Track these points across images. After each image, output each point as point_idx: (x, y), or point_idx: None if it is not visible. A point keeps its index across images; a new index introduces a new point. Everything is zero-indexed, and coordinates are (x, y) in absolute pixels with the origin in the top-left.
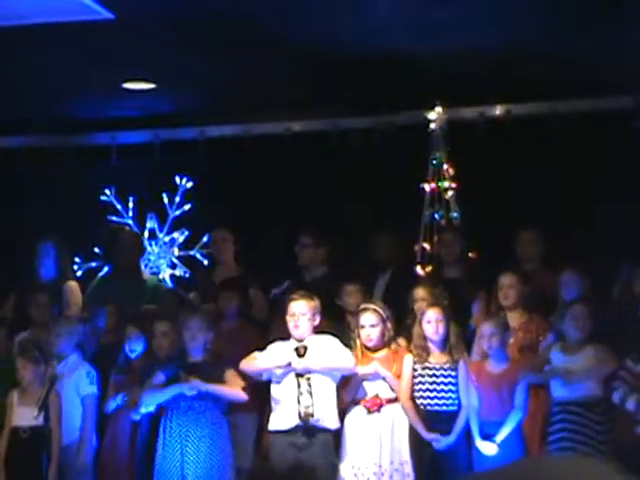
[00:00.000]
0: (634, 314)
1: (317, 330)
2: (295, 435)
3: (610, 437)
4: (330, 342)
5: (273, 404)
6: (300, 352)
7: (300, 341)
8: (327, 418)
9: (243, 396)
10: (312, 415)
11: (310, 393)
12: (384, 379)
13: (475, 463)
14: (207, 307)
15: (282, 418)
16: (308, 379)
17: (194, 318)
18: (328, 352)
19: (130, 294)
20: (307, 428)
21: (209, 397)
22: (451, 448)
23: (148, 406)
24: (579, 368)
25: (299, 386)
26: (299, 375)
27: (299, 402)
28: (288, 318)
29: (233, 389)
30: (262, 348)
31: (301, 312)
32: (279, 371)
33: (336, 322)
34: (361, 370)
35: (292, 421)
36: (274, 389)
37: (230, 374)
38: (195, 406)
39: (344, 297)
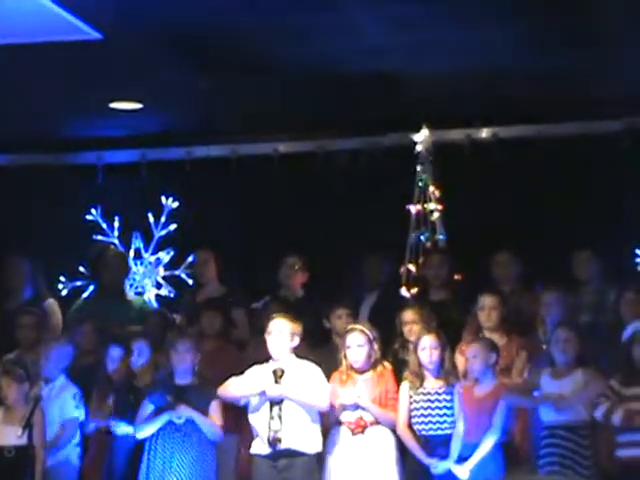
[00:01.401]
0: (618, 337)
1: (297, 353)
2: (273, 459)
3: (595, 461)
4: (309, 371)
5: (252, 428)
6: (277, 375)
7: (277, 360)
8: (300, 443)
9: (219, 434)
10: (279, 440)
11: (280, 417)
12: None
13: None
14: (192, 330)
15: (258, 443)
16: (279, 404)
17: (183, 341)
18: (305, 382)
19: (114, 314)
20: (282, 453)
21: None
22: (448, 473)
23: (141, 434)
24: (568, 393)
25: (271, 410)
26: (272, 400)
27: (269, 427)
28: (267, 336)
29: (212, 424)
30: (240, 368)
31: (279, 330)
32: (254, 400)
33: (319, 344)
34: (343, 400)
35: (266, 446)
36: (250, 414)
37: (214, 407)
38: (182, 428)
39: (333, 320)
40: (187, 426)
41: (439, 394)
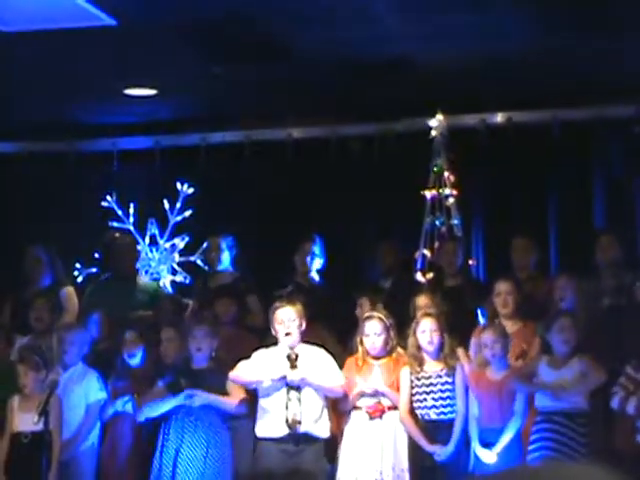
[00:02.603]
0: (635, 321)
1: (309, 338)
2: (286, 443)
3: (592, 449)
4: (322, 357)
5: (260, 411)
6: (292, 360)
7: (291, 348)
8: (316, 427)
9: (243, 408)
10: (299, 422)
11: (299, 400)
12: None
13: (475, 472)
14: (206, 314)
15: (271, 425)
16: (298, 387)
17: (200, 326)
18: (321, 368)
19: (127, 299)
20: (297, 436)
21: (209, 405)
22: (451, 457)
23: (149, 414)
24: (567, 382)
25: (288, 393)
26: (290, 384)
27: (287, 409)
28: (277, 327)
29: (233, 400)
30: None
31: (290, 319)
32: (267, 383)
33: (337, 329)
34: (361, 387)
35: (282, 429)
36: (262, 397)
37: (232, 384)
38: (194, 412)
39: (357, 308)
40: (199, 410)
41: (440, 377)
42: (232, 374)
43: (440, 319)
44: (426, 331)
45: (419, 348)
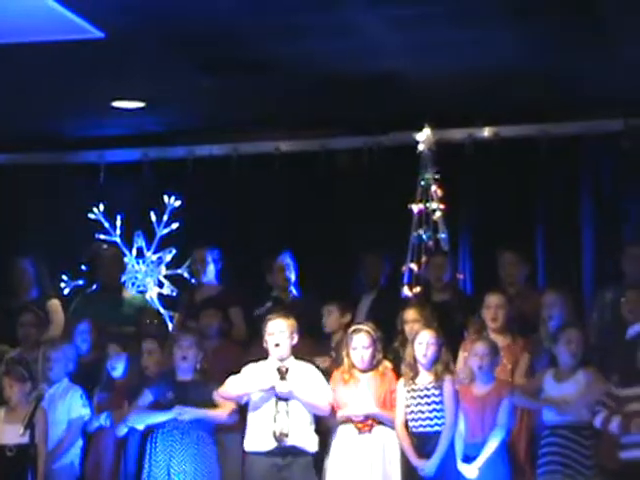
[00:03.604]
0: (620, 337)
1: (295, 351)
2: (274, 456)
3: (596, 462)
4: (311, 374)
5: (249, 425)
6: (282, 372)
7: (281, 361)
8: (304, 440)
9: (233, 418)
10: (287, 435)
11: (287, 413)
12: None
13: None
14: (192, 325)
15: (259, 439)
16: (286, 400)
17: (187, 336)
18: (310, 384)
19: (113, 312)
20: (285, 449)
21: (197, 419)
22: (440, 470)
23: (135, 425)
24: (571, 394)
25: (277, 405)
26: (278, 396)
27: (275, 421)
28: (267, 338)
29: (223, 412)
30: (242, 367)
31: (280, 330)
32: (256, 396)
33: (315, 342)
34: (351, 411)
35: (270, 442)
36: (251, 411)
37: (217, 395)
38: (180, 426)
39: (324, 315)
40: (187, 425)
41: (428, 389)
42: (221, 390)
43: (439, 333)
44: (423, 343)
45: (415, 359)
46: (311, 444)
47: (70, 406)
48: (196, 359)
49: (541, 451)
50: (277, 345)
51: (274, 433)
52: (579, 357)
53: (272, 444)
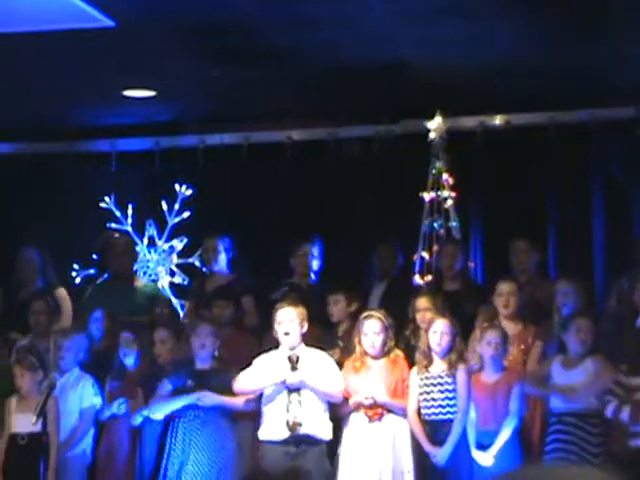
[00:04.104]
0: (630, 325)
1: (305, 339)
2: (287, 445)
3: (604, 449)
4: (323, 361)
5: (263, 415)
6: (293, 361)
7: (291, 349)
8: (317, 429)
9: (250, 406)
10: (300, 425)
11: (300, 402)
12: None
13: (475, 474)
14: (204, 313)
15: (273, 428)
16: (298, 389)
17: (204, 324)
18: (321, 372)
19: (126, 300)
20: (298, 438)
21: (216, 407)
22: (454, 458)
23: (155, 414)
24: (579, 382)
25: (289, 396)
26: (290, 387)
27: (288, 411)
28: (277, 327)
29: (240, 399)
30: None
31: (290, 319)
32: (269, 388)
33: (323, 332)
34: (359, 398)
35: (283, 432)
36: (264, 400)
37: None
38: (201, 415)
39: (330, 305)
40: (206, 413)
41: (442, 377)
42: (236, 387)
43: (454, 322)
44: (437, 332)
45: (430, 347)
46: (324, 432)
47: (82, 395)
48: (214, 347)
49: (548, 438)
50: (287, 334)
51: (287, 422)
52: (588, 345)
53: (285, 433)
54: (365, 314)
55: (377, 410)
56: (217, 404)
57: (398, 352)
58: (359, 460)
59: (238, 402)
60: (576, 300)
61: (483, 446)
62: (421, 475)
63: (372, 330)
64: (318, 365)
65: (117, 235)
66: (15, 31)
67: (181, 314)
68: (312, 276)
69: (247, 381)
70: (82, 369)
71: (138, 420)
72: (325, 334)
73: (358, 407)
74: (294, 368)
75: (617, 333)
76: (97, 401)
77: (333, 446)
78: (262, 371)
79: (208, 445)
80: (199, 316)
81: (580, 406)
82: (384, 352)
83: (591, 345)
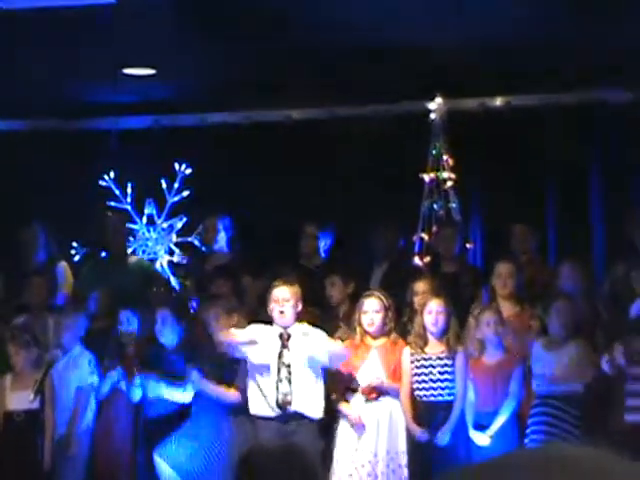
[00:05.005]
0: (626, 310)
1: (306, 321)
2: (279, 422)
3: (602, 426)
4: (314, 333)
5: (252, 390)
6: (284, 339)
7: (284, 328)
8: (307, 407)
9: (240, 399)
10: (290, 403)
11: (289, 381)
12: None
13: (473, 455)
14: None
15: (264, 405)
16: (288, 367)
17: (216, 304)
18: (314, 342)
19: (123, 278)
20: (289, 416)
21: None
22: (451, 440)
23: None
24: (561, 365)
25: (279, 373)
26: (281, 362)
27: (277, 389)
28: (272, 305)
29: (232, 393)
30: None
31: (285, 298)
32: (257, 359)
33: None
34: (369, 380)
35: (274, 409)
36: (253, 374)
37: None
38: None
39: (327, 287)
40: (206, 406)
41: (440, 359)
42: (223, 335)
43: (448, 302)
44: (432, 312)
45: (425, 328)
46: (316, 410)
47: (80, 373)
48: (229, 325)
49: (530, 420)
50: (282, 313)
51: (277, 400)
52: (569, 328)
53: (276, 410)
54: (366, 293)
55: (375, 390)
56: (207, 392)
57: (396, 335)
58: (356, 439)
59: (228, 395)
60: (576, 283)
61: (481, 426)
62: (419, 455)
63: (372, 308)
64: (309, 338)
65: (110, 213)
66: (15, 7)
67: (179, 292)
68: (319, 258)
69: (237, 333)
70: (83, 346)
71: (137, 396)
72: (325, 316)
73: (354, 386)
74: (284, 346)
75: (615, 318)
76: (94, 379)
77: (329, 425)
78: (254, 331)
79: (202, 437)
80: (215, 297)
81: (564, 389)
82: (384, 331)
83: (573, 328)
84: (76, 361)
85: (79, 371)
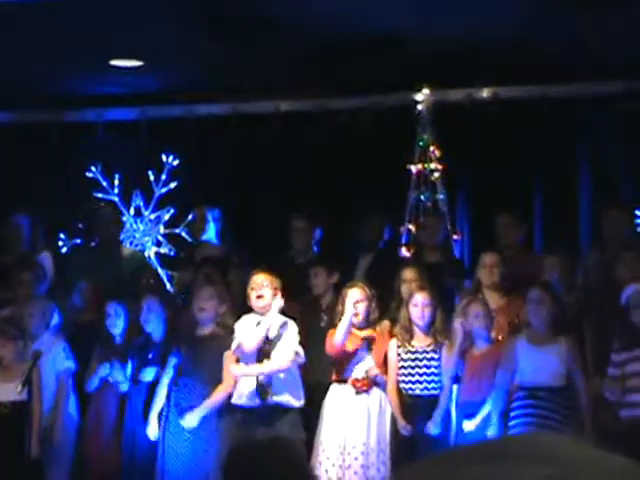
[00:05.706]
0: (615, 300)
1: (289, 313)
2: (259, 413)
3: (597, 421)
4: (286, 331)
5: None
6: (264, 329)
7: (262, 315)
8: (288, 396)
9: (224, 396)
10: (268, 394)
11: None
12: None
13: (457, 442)
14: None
15: (244, 396)
16: (268, 357)
17: (206, 287)
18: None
19: (112, 269)
20: (269, 406)
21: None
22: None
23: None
24: (546, 361)
25: (259, 363)
26: (262, 352)
27: (257, 381)
28: (250, 291)
29: (223, 392)
30: None
31: (263, 284)
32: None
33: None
34: (370, 372)
35: (254, 400)
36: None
37: (227, 357)
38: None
39: (311, 277)
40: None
41: (427, 352)
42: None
43: (434, 294)
44: (418, 305)
45: (410, 321)
46: (295, 400)
47: (55, 360)
48: (216, 312)
49: (515, 411)
50: (259, 297)
51: (257, 391)
52: (548, 320)
53: (256, 401)
54: (348, 284)
55: (365, 381)
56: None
57: (386, 322)
58: (342, 431)
59: (220, 396)
60: (562, 274)
61: (468, 415)
62: (397, 447)
63: (355, 298)
64: (287, 329)
65: (102, 204)
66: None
67: (167, 284)
68: (308, 250)
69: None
70: (53, 334)
71: (125, 387)
72: (308, 308)
73: (342, 378)
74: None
75: (596, 308)
76: (69, 364)
77: (311, 415)
78: (239, 330)
79: (190, 436)
80: (206, 278)
81: (551, 382)
82: (368, 322)
83: (553, 320)
84: (49, 347)
85: (53, 356)
